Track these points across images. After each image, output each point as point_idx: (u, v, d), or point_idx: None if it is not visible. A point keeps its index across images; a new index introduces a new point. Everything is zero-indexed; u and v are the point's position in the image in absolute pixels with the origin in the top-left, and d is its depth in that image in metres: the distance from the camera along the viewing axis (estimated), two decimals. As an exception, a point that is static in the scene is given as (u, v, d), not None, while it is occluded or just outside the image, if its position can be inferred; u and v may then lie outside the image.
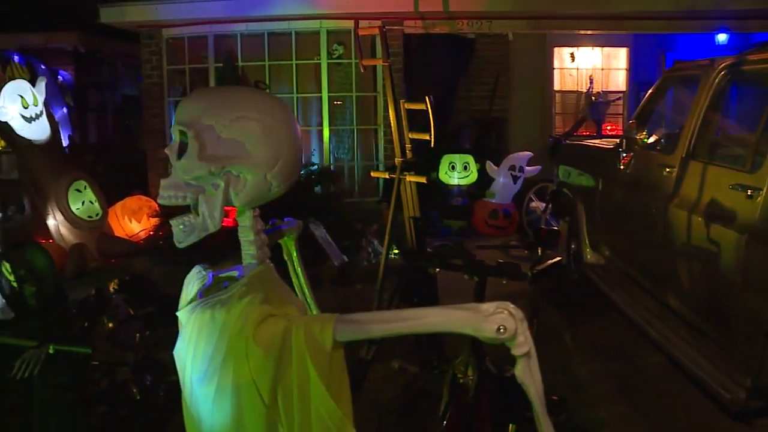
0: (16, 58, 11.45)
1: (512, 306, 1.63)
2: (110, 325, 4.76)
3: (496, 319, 1.58)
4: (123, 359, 4.41)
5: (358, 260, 8.07)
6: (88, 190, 8.05)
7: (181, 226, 1.59)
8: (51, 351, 2.49)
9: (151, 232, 8.82)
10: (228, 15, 9.73)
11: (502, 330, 1.57)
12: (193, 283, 1.76)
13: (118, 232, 8.69)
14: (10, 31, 12.87)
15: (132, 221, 8.91)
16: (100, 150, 13.16)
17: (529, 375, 1.68)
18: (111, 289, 5.16)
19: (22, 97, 7.48)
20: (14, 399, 4.11)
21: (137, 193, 9.54)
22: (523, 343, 1.63)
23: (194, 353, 1.62)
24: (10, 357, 2.65)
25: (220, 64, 9.75)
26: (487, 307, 1.62)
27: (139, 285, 5.57)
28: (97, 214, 8.04)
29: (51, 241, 7.91)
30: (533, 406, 1.73)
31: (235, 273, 1.71)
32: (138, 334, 4.96)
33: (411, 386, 4.71)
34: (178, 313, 1.73)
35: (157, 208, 8.84)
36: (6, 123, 7.41)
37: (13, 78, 7.57)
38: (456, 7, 9.18)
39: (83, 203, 7.93)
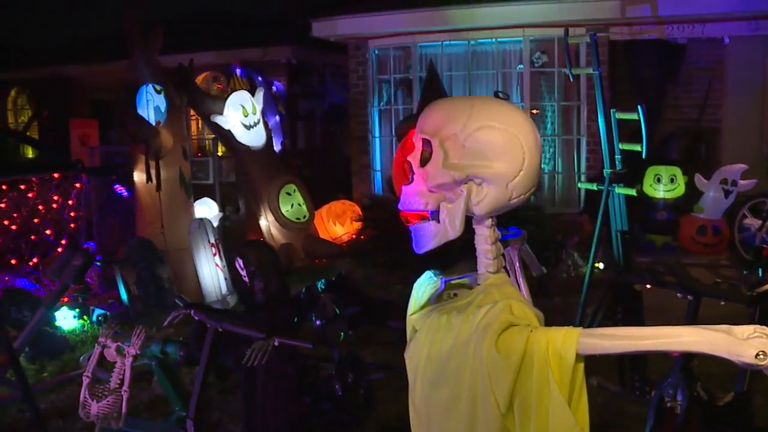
0: (237, 71, 12.42)
1: None
2: (318, 322, 5.00)
3: (755, 344, 1.48)
4: (329, 355, 4.61)
5: (557, 272, 7.91)
6: (297, 193, 8.51)
7: (422, 233, 1.64)
8: (276, 344, 2.67)
9: (354, 236, 9.17)
10: (432, 27, 9.94)
11: (761, 356, 1.47)
12: (424, 288, 1.81)
13: (323, 234, 9.11)
14: (233, 47, 13.95)
15: (336, 224, 9.30)
16: (308, 155, 13.88)
17: None
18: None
19: (243, 106, 8.06)
20: (238, 382, 4.46)
21: (342, 198, 9.95)
22: None
23: (427, 357, 1.66)
24: (238, 346, 2.88)
25: (424, 74, 9.96)
26: (742, 330, 1.51)
27: (344, 285, 5.78)
28: (304, 216, 8.47)
29: (262, 239, 8.45)
30: None
31: (466, 280, 1.74)
32: (342, 333, 5.19)
33: (609, 405, 4.55)
34: (410, 317, 1.78)
35: (360, 213, 9.20)
36: (228, 130, 8.02)
37: (235, 89, 8.16)
38: (666, 11, 8.77)
39: (292, 205, 8.39)
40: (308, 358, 4.44)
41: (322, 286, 5.45)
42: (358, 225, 9.13)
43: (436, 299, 1.75)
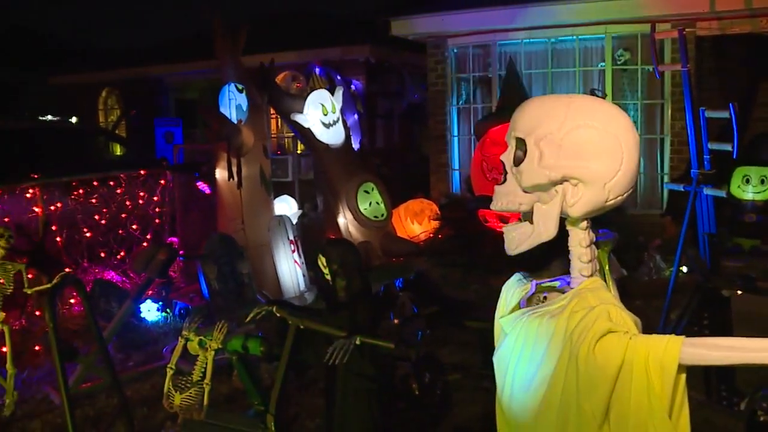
0: (317, 70, 12.53)
1: None
2: (396, 321, 5.01)
3: None
4: (406, 355, 4.61)
5: (639, 275, 7.71)
6: (375, 191, 8.52)
7: (514, 234, 1.60)
8: (357, 342, 2.67)
9: (431, 234, 9.14)
10: (512, 25, 9.83)
11: None
12: (513, 290, 1.76)
13: (401, 233, 9.10)
14: (313, 46, 14.11)
15: (414, 223, 9.29)
16: (386, 154, 13.92)
17: None
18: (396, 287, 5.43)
19: (322, 105, 8.12)
20: (314, 378, 4.50)
21: (420, 196, 9.94)
22: None
23: (518, 361, 1.62)
24: (319, 343, 2.90)
25: (503, 73, 9.86)
26: None
27: (422, 285, 5.78)
28: (382, 215, 8.48)
29: (343, 238, 8.51)
30: None
31: (557, 283, 1.69)
32: (420, 332, 5.18)
33: (693, 415, 4.40)
34: (500, 320, 1.74)
35: (438, 211, 9.17)
36: (308, 129, 8.09)
37: (314, 88, 8.22)
38: (760, 2, 8.40)
39: (370, 204, 8.41)
40: (385, 357, 4.46)
41: (400, 285, 5.46)
42: (435, 224, 9.10)
43: (527, 302, 1.71)
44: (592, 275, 1.60)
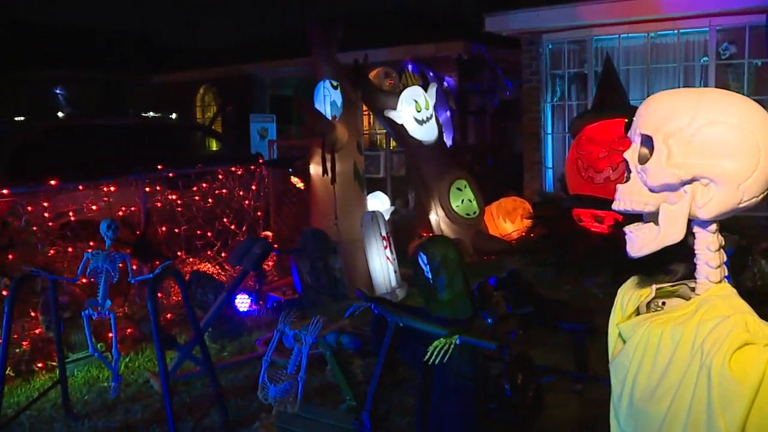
0: (410, 66, 12.55)
1: None
2: (490, 320, 4.92)
3: None
4: (497, 355, 4.53)
5: (742, 280, 7.36)
6: (468, 189, 8.46)
7: (638, 235, 1.53)
8: (458, 342, 2.63)
9: (523, 233, 9.01)
10: (609, 19, 9.55)
11: None
12: (630, 294, 1.68)
13: (492, 231, 9.01)
14: (406, 43, 14.13)
15: (506, 221, 9.18)
16: (478, 151, 13.82)
17: None
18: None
19: (416, 101, 8.12)
20: (405, 375, 4.49)
21: (512, 194, 9.81)
22: None
23: (638, 370, 1.54)
24: (416, 341, 2.88)
25: (600, 69, 9.61)
26: None
27: (515, 284, 5.67)
28: (474, 212, 8.42)
29: (431, 234, 8.48)
30: None
31: (678, 289, 1.60)
32: (513, 332, 5.08)
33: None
34: (617, 326, 1.66)
35: (531, 210, 9.02)
36: (401, 125, 8.10)
37: (407, 85, 8.23)
38: None
39: (462, 201, 8.36)
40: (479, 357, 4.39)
41: (494, 284, 5.37)
42: (528, 222, 8.96)
43: (647, 307, 1.62)
44: (720, 281, 1.51)
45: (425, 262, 3.08)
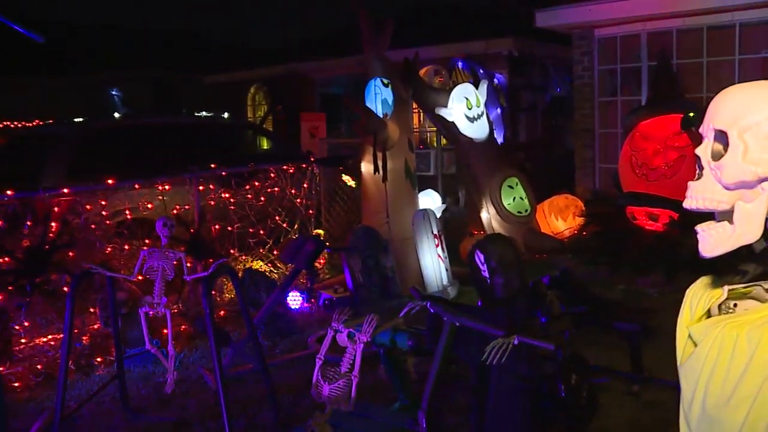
0: (460, 64, 12.49)
1: None
2: (543, 319, 4.87)
3: None
4: (550, 354, 4.47)
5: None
6: (519, 186, 8.39)
7: (711, 234, 1.48)
8: (515, 342, 2.60)
9: (575, 231, 8.89)
10: (663, 11, 9.34)
11: None
12: (699, 295, 1.62)
13: (544, 229, 8.92)
14: (456, 40, 14.07)
15: (558, 219, 9.07)
16: (530, 148, 13.69)
17: None
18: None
19: (467, 99, 8.07)
20: (456, 374, 4.46)
21: (564, 192, 9.69)
22: None
23: (712, 375, 1.49)
24: (471, 341, 2.85)
25: (654, 63, 9.42)
26: None
27: (569, 283, 5.60)
28: (526, 210, 8.34)
29: (482, 232, 8.42)
30: None
31: (752, 290, 1.53)
32: (567, 332, 5.02)
33: None
34: (689, 327, 1.61)
35: (583, 208, 8.89)
36: (452, 123, 8.06)
37: (457, 82, 8.19)
38: None
39: (514, 199, 8.28)
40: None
41: (547, 283, 5.32)
42: (580, 221, 8.83)
43: (719, 308, 1.57)
44: (799, 283, 1.45)
45: (482, 260, 3.05)
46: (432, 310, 2.85)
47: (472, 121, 8.12)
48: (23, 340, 5.66)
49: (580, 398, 4.35)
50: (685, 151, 7.58)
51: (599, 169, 10.48)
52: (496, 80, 13.56)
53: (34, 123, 15.72)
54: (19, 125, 16.29)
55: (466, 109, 8.05)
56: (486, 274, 3.06)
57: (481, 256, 3.06)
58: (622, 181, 8.33)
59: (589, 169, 10.45)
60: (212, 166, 7.29)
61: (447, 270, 7.25)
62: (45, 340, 5.74)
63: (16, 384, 5.24)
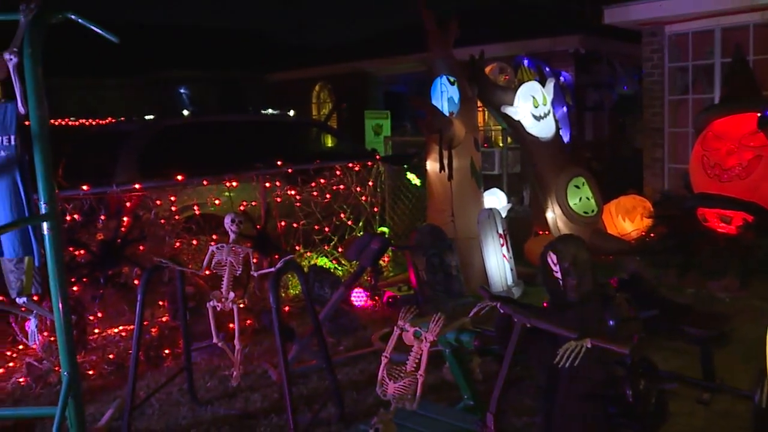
0: (525, 62, 12.36)
1: None
2: (611, 322, 4.77)
3: None
4: (621, 359, 4.38)
5: None
6: (586, 186, 8.25)
7: None
8: (588, 345, 2.55)
9: (643, 233, 8.70)
10: (739, 5, 9.05)
11: None
12: None
13: (611, 230, 8.75)
14: (521, 38, 13.93)
15: (625, 220, 8.89)
16: (596, 148, 13.46)
17: None
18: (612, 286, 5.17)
19: (533, 97, 7.98)
20: (520, 375, 4.41)
21: (632, 192, 9.49)
22: None
23: None
24: (540, 342, 2.82)
25: (729, 60, 9.13)
26: None
27: (638, 285, 5.48)
28: (592, 211, 8.20)
29: (547, 232, 8.32)
30: None
31: None
32: (635, 336, 4.90)
33: None
34: None
35: (652, 209, 8.70)
36: (518, 121, 7.98)
37: (522, 80, 8.10)
38: None
39: (580, 199, 8.15)
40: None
41: (615, 285, 5.20)
42: (648, 222, 8.64)
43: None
44: None
45: (555, 261, 3.00)
46: (502, 311, 2.82)
47: (539, 120, 8.03)
48: (96, 330, 5.84)
49: (648, 404, 4.24)
50: (761, 151, 7.35)
51: (668, 169, 10.23)
52: (561, 78, 13.37)
53: (108, 121, 16.21)
54: (94, 123, 16.82)
55: (533, 107, 7.97)
56: (558, 275, 3.01)
57: (554, 257, 3.01)
58: (693, 182, 8.13)
59: (658, 169, 10.21)
60: (278, 163, 7.37)
61: (512, 270, 7.19)
62: (116, 330, 5.91)
63: (90, 372, 5.41)
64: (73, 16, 3.35)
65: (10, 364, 5.46)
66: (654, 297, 5.53)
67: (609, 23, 10.50)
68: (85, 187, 5.94)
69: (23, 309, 5.02)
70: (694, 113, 9.46)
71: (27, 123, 3.47)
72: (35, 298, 4.66)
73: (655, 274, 7.53)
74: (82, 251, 5.79)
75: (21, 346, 5.59)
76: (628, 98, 14.20)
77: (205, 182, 7.13)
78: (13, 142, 3.97)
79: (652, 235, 8.55)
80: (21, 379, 5.26)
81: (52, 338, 5.44)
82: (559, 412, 2.94)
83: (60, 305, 3.36)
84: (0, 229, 3.78)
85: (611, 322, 4.41)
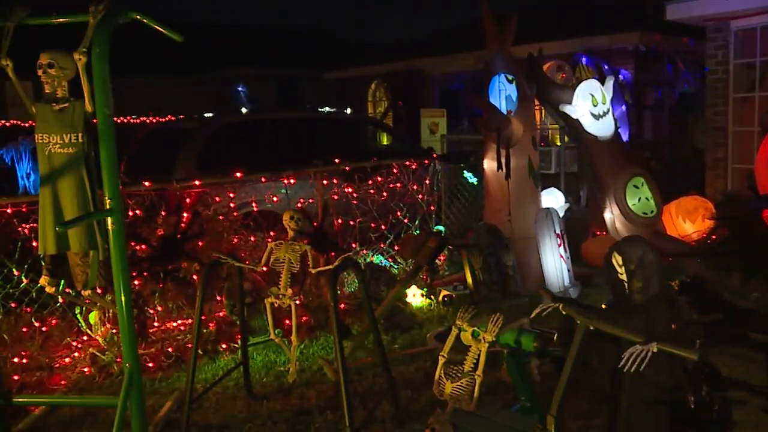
0: (584, 59, 12.16)
1: None
2: (673, 326, 4.67)
3: None
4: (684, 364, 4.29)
5: None
6: (645, 186, 8.08)
7: None
8: (655, 350, 2.50)
9: (704, 235, 8.49)
10: (811, -2, 8.77)
11: None
12: None
13: (671, 231, 8.56)
14: (579, 35, 13.74)
15: (686, 221, 8.69)
16: (656, 147, 13.20)
17: None
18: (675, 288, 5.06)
19: (592, 95, 7.85)
20: (577, 378, 4.35)
21: (693, 193, 9.27)
22: None
23: None
24: (606, 346, 2.77)
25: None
26: None
27: (700, 289, 5.36)
28: (652, 211, 8.03)
29: (604, 233, 8.18)
30: None
31: None
32: (698, 341, 4.78)
33: None
34: None
35: (714, 211, 8.49)
36: (577, 120, 7.86)
37: (580, 78, 7.96)
38: None
39: (639, 199, 7.99)
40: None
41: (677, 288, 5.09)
42: (710, 224, 8.43)
43: None
44: None
45: (620, 263, 2.94)
46: (564, 312, 2.78)
47: (598, 119, 7.89)
48: (156, 324, 5.96)
49: (711, 412, 4.14)
50: (831, 151, 7.12)
51: (732, 170, 9.95)
52: (620, 76, 13.14)
53: (168, 118, 16.54)
54: (155, 120, 17.18)
55: (592, 106, 7.84)
56: (624, 277, 2.95)
57: (619, 259, 2.95)
58: (759, 183, 7.89)
59: (720, 170, 9.94)
60: (335, 160, 7.41)
61: (569, 271, 7.10)
62: (175, 324, 6.02)
63: (150, 364, 5.52)
64: (138, 16, 3.42)
65: (75, 354, 5.61)
66: (717, 301, 5.40)
67: (671, 20, 10.26)
68: (146, 183, 6.06)
69: (87, 301, 5.17)
70: (761, 111, 9.19)
71: (94, 121, 3.56)
72: (99, 291, 4.81)
73: (717, 277, 7.36)
74: (143, 246, 5.92)
75: (85, 337, 5.73)
76: (689, 96, 13.88)
77: (263, 179, 7.20)
78: (80, 140, 4.08)
79: (714, 237, 8.35)
80: (85, 369, 5.40)
81: (114, 330, 5.59)
82: (623, 419, 2.88)
83: (123, 298, 3.43)
84: (68, 223, 3.90)
85: (672, 326, 4.32)
